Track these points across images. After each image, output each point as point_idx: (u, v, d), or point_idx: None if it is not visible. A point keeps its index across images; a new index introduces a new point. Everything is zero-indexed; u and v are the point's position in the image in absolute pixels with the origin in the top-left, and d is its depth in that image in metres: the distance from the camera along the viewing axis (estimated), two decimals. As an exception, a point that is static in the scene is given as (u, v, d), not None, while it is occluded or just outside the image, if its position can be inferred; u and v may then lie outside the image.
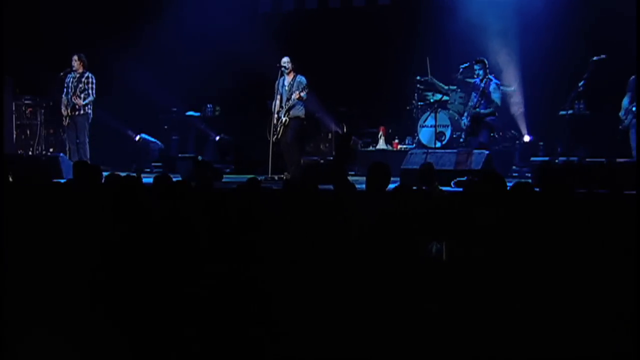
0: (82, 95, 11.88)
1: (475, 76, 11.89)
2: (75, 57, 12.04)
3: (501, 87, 11.95)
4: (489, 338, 3.62)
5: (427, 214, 4.62)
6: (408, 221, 4.40)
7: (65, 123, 12.18)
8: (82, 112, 11.97)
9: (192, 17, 14.66)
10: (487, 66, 11.80)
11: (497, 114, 11.94)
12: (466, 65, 12.20)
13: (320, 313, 3.76)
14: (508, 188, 4.72)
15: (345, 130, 14.38)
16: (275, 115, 11.73)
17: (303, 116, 11.81)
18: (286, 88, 11.68)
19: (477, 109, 11.74)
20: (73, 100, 11.88)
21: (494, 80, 11.79)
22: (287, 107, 11.62)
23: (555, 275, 3.76)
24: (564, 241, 3.98)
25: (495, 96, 11.70)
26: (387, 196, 5.46)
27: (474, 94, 11.87)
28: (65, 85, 12.09)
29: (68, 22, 14.06)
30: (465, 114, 11.94)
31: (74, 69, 12.05)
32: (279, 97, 11.75)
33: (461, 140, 12.27)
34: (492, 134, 12.09)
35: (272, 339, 3.75)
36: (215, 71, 14.46)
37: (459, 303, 3.69)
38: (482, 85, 11.70)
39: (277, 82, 11.77)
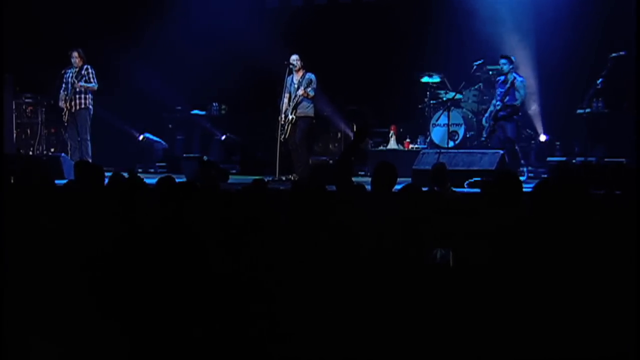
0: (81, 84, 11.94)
1: (502, 73, 11.62)
2: (75, 53, 12.13)
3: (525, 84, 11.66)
4: (507, 345, 3.64)
5: (435, 216, 4.62)
6: (414, 222, 4.41)
7: (64, 119, 12.20)
8: (83, 106, 12.00)
9: (197, 12, 14.69)
10: (513, 62, 11.59)
11: (520, 112, 11.72)
12: (480, 62, 12.16)
13: (325, 315, 3.79)
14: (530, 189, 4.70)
15: (359, 127, 14.29)
16: (283, 114, 11.75)
17: (312, 115, 11.81)
18: (295, 86, 11.70)
19: (501, 109, 11.49)
20: (76, 88, 11.90)
21: (519, 78, 11.55)
22: (293, 105, 11.64)
23: (571, 281, 3.76)
24: (581, 245, 3.97)
25: (519, 94, 11.45)
26: (394, 197, 5.48)
27: (498, 91, 11.60)
28: (65, 80, 12.14)
29: (70, 19, 14.10)
30: (489, 112, 11.74)
31: (74, 64, 12.12)
32: (287, 95, 11.76)
33: (482, 138, 12.08)
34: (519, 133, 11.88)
35: (277, 340, 3.78)
36: (221, 68, 14.48)
37: (469, 309, 3.69)
38: (508, 82, 11.45)
39: (286, 80, 11.78)
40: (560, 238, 4.01)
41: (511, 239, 4.09)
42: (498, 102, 11.57)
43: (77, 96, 12.03)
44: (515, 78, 11.47)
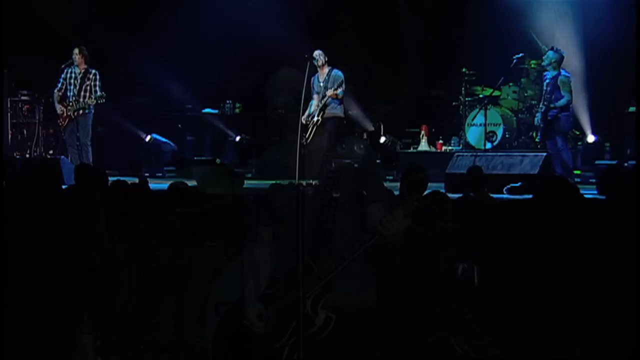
0: (91, 96, 11.88)
1: (549, 67, 11.30)
2: (77, 51, 12.00)
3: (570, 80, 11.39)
4: None
5: (463, 226, 4.63)
6: (437, 233, 4.43)
7: (61, 123, 12.17)
8: (86, 110, 11.98)
9: (208, 3, 14.72)
10: (564, 57, 11.30)
11: (569, 111, 11.43)
12: (520, 55, 12.09)
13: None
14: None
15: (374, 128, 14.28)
16: (308, 116, 11.71)
17: (342, 115, 11.74)
18: (321, 84, 11.64)
19: (546, 110, 11.20)
20: (85, 101, 11.87)
21: (563, 72, 11.26)
22: (321, 106, 11.58)
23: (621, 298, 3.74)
24: (633, 257, 3.95)
25: (566, 89, 11.12)
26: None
27: (547, 88, 11.27)
28: (63, 79, 12.09)
29: (70, 10, 14.17)
30: (540, 111, 11.41)
31: (75, 63, 12.03)
32: (316, 96, 11.69)
33: (538, 139, 11.83)
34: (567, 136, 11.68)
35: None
36: (235, 63, 14.52)
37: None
38: (553, 78, 11.19)
39: (312, 79, 11.72)
40: (610, 252, 4.00)
41: (553, 253, 4.08)
42: (548, 99, 11.15)
43: (81, 100, 11.97)
44: (559, 73, 11.21)
